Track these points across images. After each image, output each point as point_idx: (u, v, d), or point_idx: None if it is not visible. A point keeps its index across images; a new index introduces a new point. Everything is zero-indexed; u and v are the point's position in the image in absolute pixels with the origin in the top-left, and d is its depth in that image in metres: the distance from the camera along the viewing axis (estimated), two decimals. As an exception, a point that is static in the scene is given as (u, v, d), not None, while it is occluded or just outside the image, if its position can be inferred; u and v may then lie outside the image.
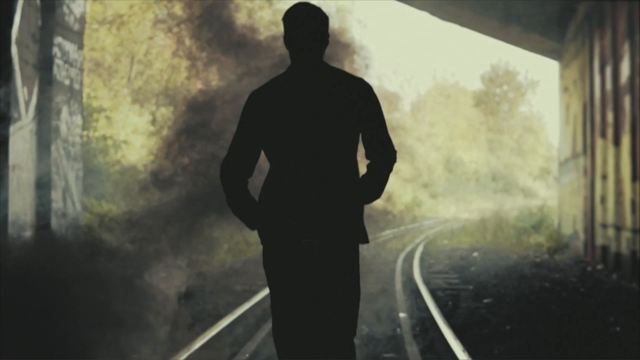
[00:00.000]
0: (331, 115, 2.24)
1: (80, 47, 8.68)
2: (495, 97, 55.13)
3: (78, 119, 8.66)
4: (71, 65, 8.41)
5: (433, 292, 6.44)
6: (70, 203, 8.40)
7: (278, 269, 2.27)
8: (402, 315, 4.73)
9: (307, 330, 2.24)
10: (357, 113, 2.25)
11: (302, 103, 2.26)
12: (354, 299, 2.32)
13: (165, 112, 20.21)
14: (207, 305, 6.05)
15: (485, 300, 6.11)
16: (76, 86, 8.58)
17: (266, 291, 6.19)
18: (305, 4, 2.37)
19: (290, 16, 2.33)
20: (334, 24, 34.23)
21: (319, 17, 2.35)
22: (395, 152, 2.32)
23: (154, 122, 19.93)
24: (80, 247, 8.20)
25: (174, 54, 21.62)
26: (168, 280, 8.07)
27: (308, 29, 2.32)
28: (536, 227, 17.13)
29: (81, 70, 8.76)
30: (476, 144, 49.25)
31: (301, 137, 2.25)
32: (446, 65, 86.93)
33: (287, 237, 2.24)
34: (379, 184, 2.27)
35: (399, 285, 6.40)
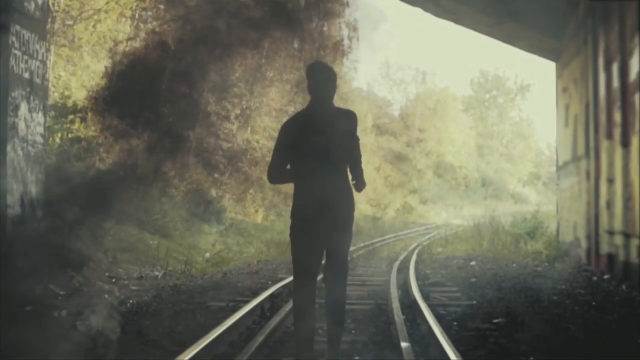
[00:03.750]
0: (335, 140, 3.42)
1: (43, 37, 7.86)
2: (484, 102, 54.76)
3: (40, 117, 7.84)
4: (31, 56, 7.59)
5: (434, 310, 5.68)
6: (30, 209, 7.56)
7: (302, 225, 3.52)
8: (404, 344, 3.96)
9: (317, 259, 3.55)
10: (351, 135, 3.52)
11: (317, 131, 3.42)
12: (350, 235, 3.60)
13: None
14: (177, 328, 5.24)
15: (495, 320, 5.35)
16: (37, 80, 7.76)
17: (244, 310, 5.41)
18: (322, 63, 3.76)
19: (312, 72, 3.58)
20: (323, 26, 32.83)
21: (331, 74, 3.58)
22: (359, 158, 3.65)
23: (135, 124, 19.08)
24: (36, 258, 7.37)
25: (158, 55, 20.81)
26: (136, 297, 7.23)
27: (326, 82, 3.54)
28: (531, 234, 16.51)
29: (44, 62, 7.95)
30: (466, 150, 48.76)
31: (320, 152, 3.42)
32: (435, 70, 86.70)
33: (308, 209, 3.49)
34: (360, 174, 3.63)
35: (396, 303, 5.63)
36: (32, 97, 7.61)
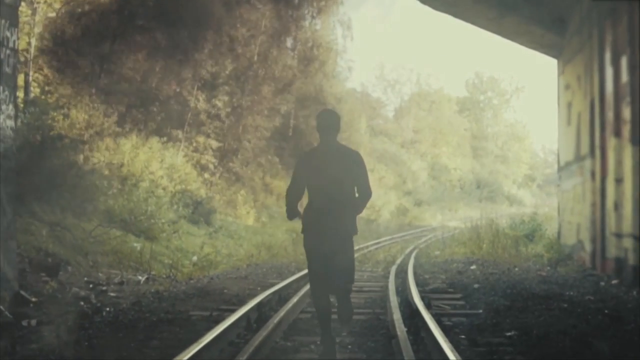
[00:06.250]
0: (341, 171, 4.32)
1: (14, 23, 7.26)
2: (479, 103, 54.39)
3: (10, 109, 7.22)
4: (1, 44, 7.00)
5: (439, 320, 5.13)
6: (-1, 209, 6.95)
7: (312, 246, 4.36)
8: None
9: (328, 274, 4.30)
10: (356, 172, 4.37)
11: (326, 164, 4.33)
12: (352, 256, 4.46)
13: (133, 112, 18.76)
14: (151, 342, 4.67)
15: (508, 334, 4.81)
16: (8, 70, 7.15)
17: (228, 322, 4.85)
18: (330, 110, 4.65)
19: (321, 117, 4.48)
20: (315, 25, 32.12)
21: (336, 118, 4.49)
22: (371, 192, 4.47)
23: (122, 123, 18.49)
24: (6, 261, 6.77)
25: (149, 54, 20.24)
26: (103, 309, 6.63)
27: (330, 125, 4.44)
28: (530, 236, 16.04)
29: (15, 51, 7.36)
30: (460, 151, 48.35)
31: (325, 181, 4.32)
32: (430, 71, 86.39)
33: (316, 231, 4.34)
34: (362, 206, 4.48)
35: (397, 314, 5.08)
36: (1, 88, 7.01)
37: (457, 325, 5.24)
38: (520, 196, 48.10)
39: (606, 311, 6.53)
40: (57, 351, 4.27)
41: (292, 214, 4.39)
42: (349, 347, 4.50)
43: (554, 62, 14.14)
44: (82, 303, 6.99)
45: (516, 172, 52.51)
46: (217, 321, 5.14)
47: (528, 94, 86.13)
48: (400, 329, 4.45)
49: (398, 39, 74.15)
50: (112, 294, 7.56)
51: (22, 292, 7.15)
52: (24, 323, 5.92)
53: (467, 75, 76.73)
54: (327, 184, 4.26)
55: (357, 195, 4.38)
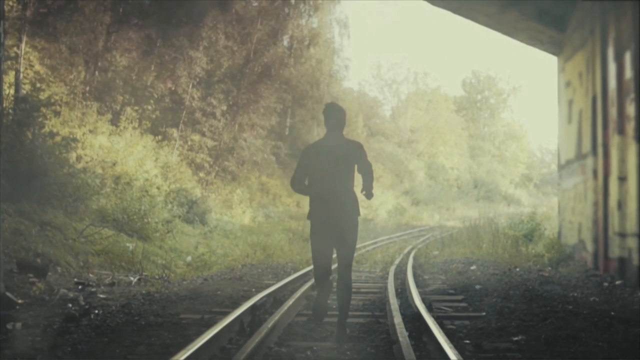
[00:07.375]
0: (344, 161, 4.64)
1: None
2: (476, 103, 54.21)
3: (-6, 102, 6.97)
4: (-15, 36, 6.75)
5: (441, 324, 4.90)
6: (-17, 208, 6.70)
7: (317, 227, 4.68)
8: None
9: (328, 253, 4.72)
10: (356, 160, 4.68)
11: (331, 154, 4.63)
12: (355, 236, 4.73)
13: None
14: (138, 347, 4.42)
15: (515, 338, 4.57)
16: (-8, 61, 6.90)
17: (220, 326, 4.60)
18: (336, 104, 4.89)
19: (327, 111, 4.81)
20: (312, 23, 32.00)
21: (342, 112, 4.81)
22: (371, 165, 4.79)
23: (116, 121, 18.22)
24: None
25: (144, 51, 19.97)
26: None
27: (336, 119, 4.77)
28: (528, 236, 15.83)
29: (1, 44, 7.09)
30: (458, 151, 48.15)
31: (328, 170, 4.63)
32: (427, 70, 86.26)
33: (321, 215, 4.66)
34: (371, 186, 4.74)
35: (397, 317, 4.84)
36: (-14, 82, 6.74)
37: (460, 329, 5.00)
38: (517, 196, 47.96)
39: (612, 313, 6.32)
40: (38, 357, 4.02)
41: (302, 191, 4.73)
42: (348, 352, 4.26)
43: (551, 61, 13.94)
44: (70, 305, 6.74)
45: (513, 171, 52.38)
46: (209, 325, 4.90)
47: (525, 93, 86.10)
48: (402, 333, 4.21)
49: (395, 37, 74.01)
50: (101, 296, 7.31)
51: (8, 294, 6.90)
52: (9, 326, 5.67)
53: (464, 75, 76.61)
54: (333, 177, 4.53)
55: (361, 173, 4.68)
